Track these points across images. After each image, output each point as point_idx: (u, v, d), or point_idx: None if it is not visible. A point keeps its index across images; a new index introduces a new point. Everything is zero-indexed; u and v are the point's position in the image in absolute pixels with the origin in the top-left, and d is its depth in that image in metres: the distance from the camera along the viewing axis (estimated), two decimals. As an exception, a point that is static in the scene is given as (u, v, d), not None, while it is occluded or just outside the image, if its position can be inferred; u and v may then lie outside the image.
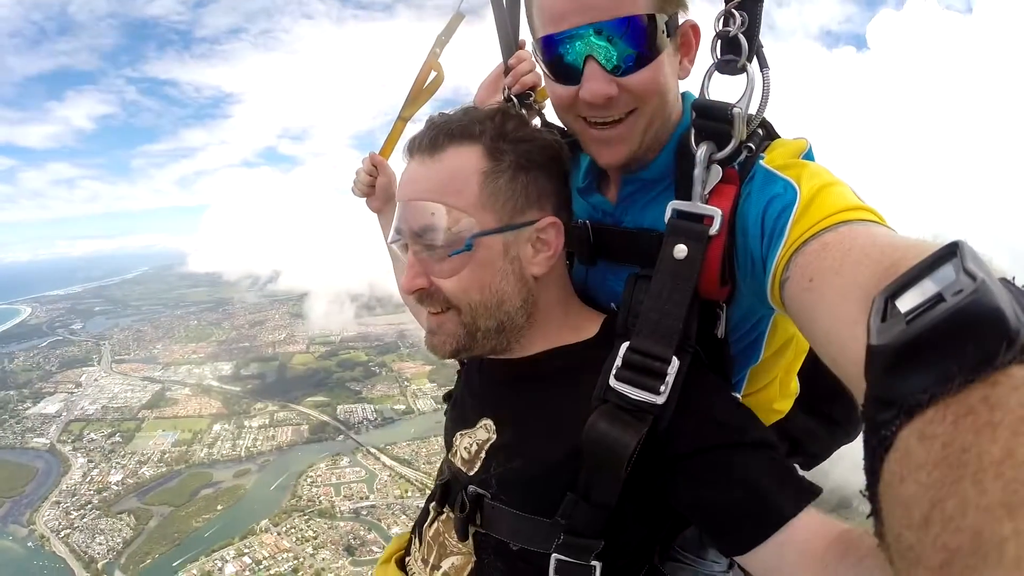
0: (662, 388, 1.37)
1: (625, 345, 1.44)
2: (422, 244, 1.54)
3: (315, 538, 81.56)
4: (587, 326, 1.70)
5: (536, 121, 2.11)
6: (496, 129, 1.57)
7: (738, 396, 1.76)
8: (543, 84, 2.11)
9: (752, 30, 1.45)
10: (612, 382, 1.42)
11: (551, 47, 1.54)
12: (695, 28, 1.62)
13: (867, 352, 0.74)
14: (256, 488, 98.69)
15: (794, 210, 1.34)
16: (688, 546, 1.76)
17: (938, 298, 0.68)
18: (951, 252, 0.76)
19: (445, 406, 2.07)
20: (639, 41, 1.48)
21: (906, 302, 0.74)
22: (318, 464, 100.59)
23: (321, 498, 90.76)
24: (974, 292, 0.64)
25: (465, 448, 1.75)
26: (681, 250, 1.44)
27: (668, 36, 1.53)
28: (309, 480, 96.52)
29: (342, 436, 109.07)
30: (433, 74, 2.54)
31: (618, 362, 1.43)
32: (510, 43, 2.18)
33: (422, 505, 1.99)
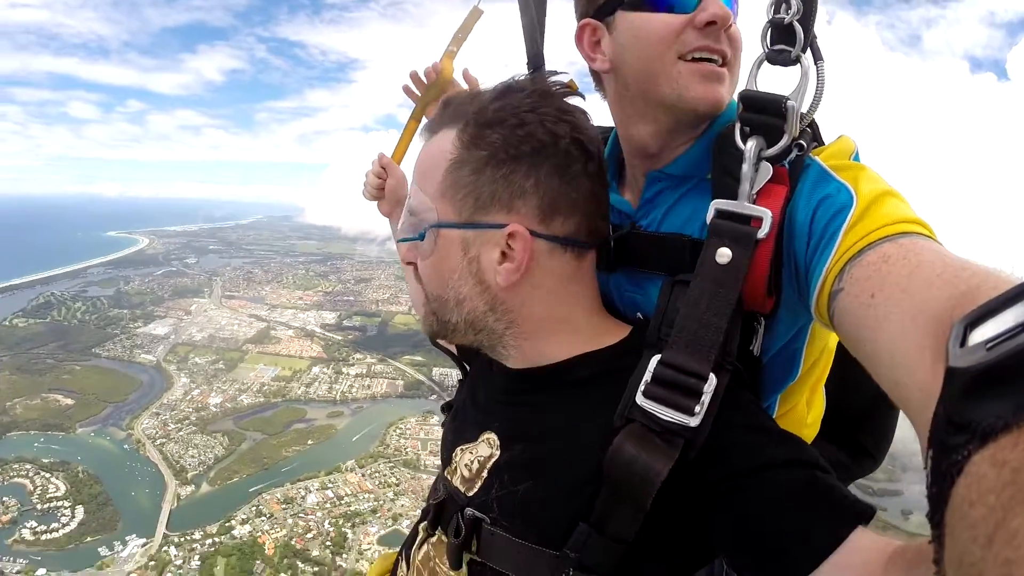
0: (697, 409, 1.25)
1: (656, 358, 1.33)
2: (408, 224, 1.57)
3: (397, 485, 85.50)
4: (612, 334, 1.58)
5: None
6: (479, 112, 1.47)
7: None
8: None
9: (808, 18, 1.42)
10: (639, 399, 1.30)
11: None
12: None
13: (946, 374, 0.75)
14: (347, 430, 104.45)
15: (850, 214, 1.28)
16: None
17: (1020, 328, 0.69)
18: None
19: (444, 417, 2.00)
20: None
21: (986, 331, 0.75)
22: (409, 418, 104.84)
23: (408, 449, 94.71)
24: None
25: (465, 465, 1.64)
26: (725, 254, 1.35)
27: None
28: (398, 432, 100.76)
29: (435, 396, 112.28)
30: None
31: (647, 377, 1.32)
32: (535, 28, 2.11)
33: None
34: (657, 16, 1.53)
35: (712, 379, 1.28)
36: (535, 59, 2.12)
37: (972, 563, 0.60)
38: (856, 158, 1.51)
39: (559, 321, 1.56)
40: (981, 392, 0.68)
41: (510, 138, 1.44)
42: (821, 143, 1.59)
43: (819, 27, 1.40)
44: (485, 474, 1.57)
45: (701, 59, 1.53)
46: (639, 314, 1.70)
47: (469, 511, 1.51)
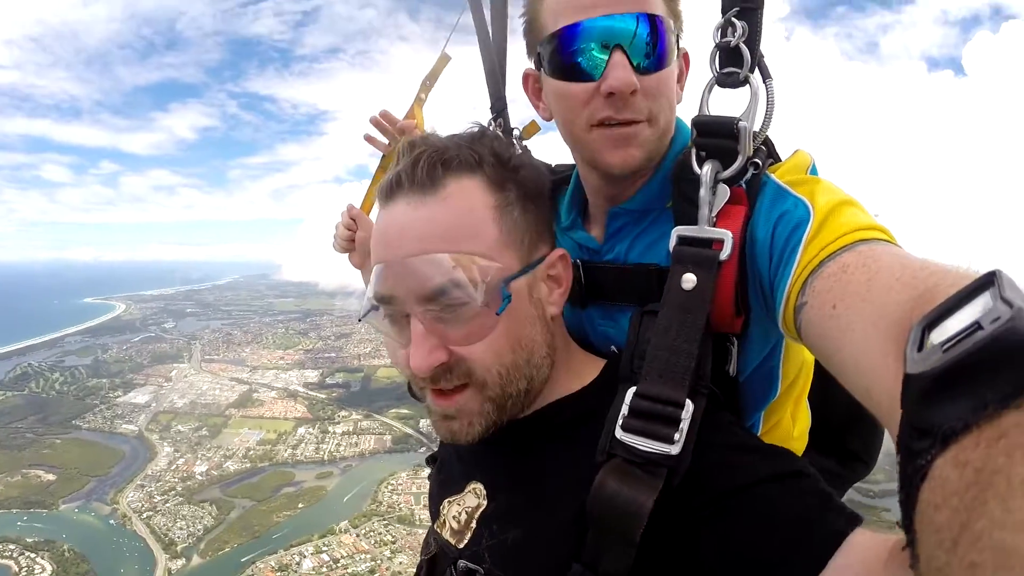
0: (676, 436, 1.24)
1: (632, 391, 1.32)
2: (438, 308, 1.34)
3: (393, 542, 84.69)
4: (588, 371, 1.58)
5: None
6: (495, 155, 1.45)
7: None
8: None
9: (753, 40, 1.43)
10: (619, 433, 1.29)
11: (572, 38, 1.50)
12: (687, 56, 1.65)
13: (904, 381, 0.76)
14: (337, 490, 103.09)
15: (808, 228, 1.30)
16: None
17: (975, 327, 0.69)
18: (989, 281, 0.76)
19: (429, 470, 1.98)
20: (660, 41, 1.49)
21: (943, 331, 0.76)
22: (399, 473, 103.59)
23: (401, 505, 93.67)
24: (1011, 320, 0.65)
25: (454, 517, 1.61)
26: (690, 279, 1.36)
27: (676, 49, 1.56)
28: (390, 488, 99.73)
29: (424, 448, 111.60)
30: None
31: (624, 411, 1.31)
32: (496, 72, 2.19)
33: None
34: (572, 84, 1.54)
35: (689, 405, 1.27)
36: (498, 103, 2.21)
37: (938, 568, 0.61)
38: (813, 171, 1.53)
39: (563, 349, 1.59)
40: (940, 395, 0.69)
41: (531, 175, 1.52)
42: (777, 159, 1.62)
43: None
44: (474, 525, 1.55)
45: (612, 124, 1.53)
46: (613, 347, 1.71)
47: (462, 563, 1.51)
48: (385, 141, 2.43)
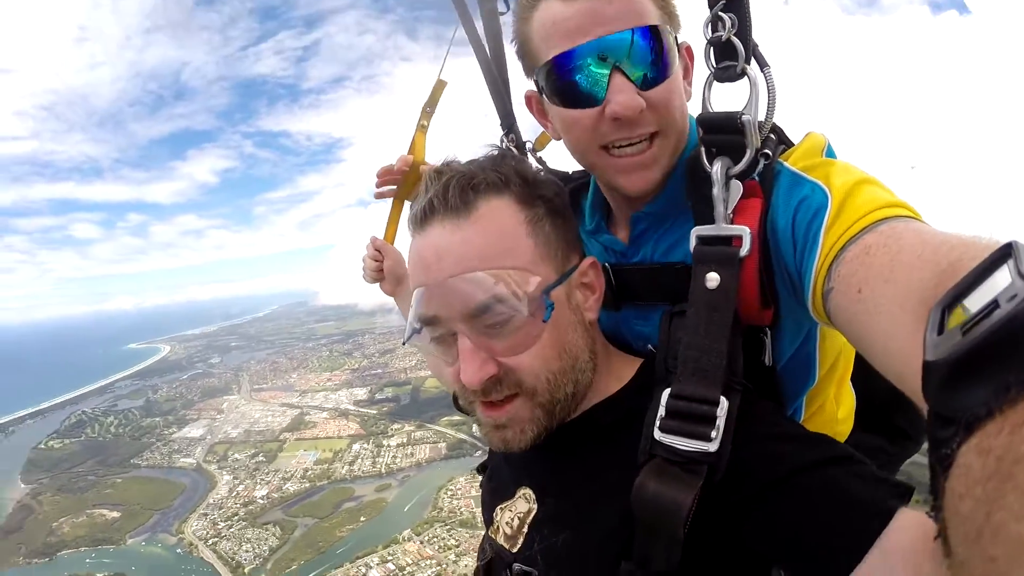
0: (713, 434, 1.27)
1: (667, 392, 1.35)
2: (484, 324, 1.38)
3: (457, 546, 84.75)
4: (626, 372, 1.61)
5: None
6: (519, 174, 1.49)
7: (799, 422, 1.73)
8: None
9: (744, 31, 1.41)
10: (657, 435, 1.32)
11: (567, 65, 1.47)
12: (690, 49, 1.61)
13: (923, 369, 0.74)
14: (397, 501, 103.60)
15: (827, 213, 1.29)
16: None
17: (993, 305, 0.67)
18: (1006, 254, 0.74)
19: (480, 478, 2.01)
20: (659, 52, 1.46)
21: (961, 313, 0.74)
22: (457, 478, 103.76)
23: (462, 509, 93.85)
24: None
25: (507, 523, 1.65)
26: (713, 278, 1.37)
27: (677, 53, 1.52)
28: (449, 494, 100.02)
29: (479, 452, 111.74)
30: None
31: (661, 412, 1.34)
32: (500, 90, 2.17)
33: None
34: (576, 111, 1.52)
35: (723, 402, 1.29)
36: (507, 119, 2.17)
37: (962, 561, 0.60)
38: (830, 152, 1.52)
39: (602, 351, 1.61)
40: (961, 381, 0.67)
41: (554, 190, 1.55)
42: (789, 145, 1.60)
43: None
44: (526, 529, 1.58)
45: (623, 146, 1.53)
46: (649, 346, 1.71)
47: (517, 567, 1.54)
48: (394, 187, 2.50)
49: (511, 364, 1.40)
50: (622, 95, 1.44)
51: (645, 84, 1.46)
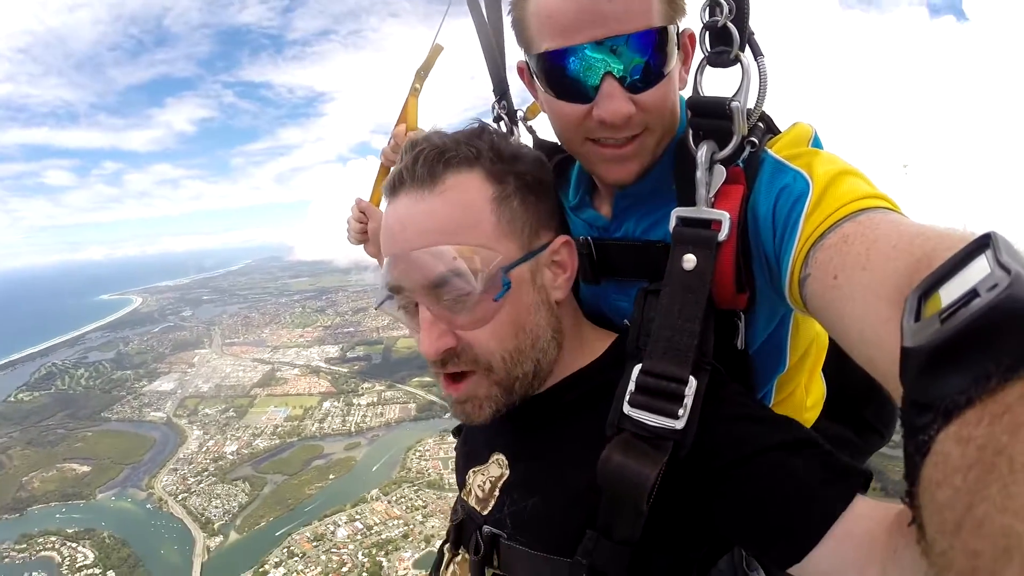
0: (680, 412, 1.29)
1: (637, 368, 1.37)
2: (442, 296, 1.39)
3: (424, 507, 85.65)
4: (598, 347, 1.64)
5: (528, 139, 2.14)
6: (492, 149, 1.48)
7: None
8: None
9: (741, 17, 1.41)
10: (626, 409, 1.35)
11: (559, 62, 1.44)
12: (692, 36, 1.55)
13: (901, 355, 0.74)
14: (366, 460, 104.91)
15: (807, 201, 1.30)
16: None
17: (972, 294, 0.67)
18: (984, 244, 0.75)
19: (455, 441, 2.05)
20: (655, 57, 1.42)
21: (939, 300, 0.74)
22: (426, 439, 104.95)
23: (430, 471, 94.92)
24: (1009, 286, 0.64)
25: (479, 486, 1.69)
26: (690, 260, 1.38)
27: (677, 48, 1.48)
28: (417, 454, 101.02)
29: (448, 415, 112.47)
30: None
31: (631, 387, 1.36)
32: (495, 57, 2.14)
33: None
34: (565, 104, 1.51)
35: (692, 381, 1.31)
36: (499, 86, 2.17)
37: (941, 552, 0.60)
38: (816, 142, 1.52)
39: (573, 328, 1.63)
40: (939, 369, 0.67)
41: (531, 167, 1.53)
42: (777, 133, 1.61)
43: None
44: (497, 493, 1.62)
45: (607, 142, 1.53)
46: (626, 320, 1.68)
47: (486, 528, 1.58)
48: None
49: (468, 339, 1.42)
50: (611, 102, 1.43)
51: (636, 88, 1.44)
